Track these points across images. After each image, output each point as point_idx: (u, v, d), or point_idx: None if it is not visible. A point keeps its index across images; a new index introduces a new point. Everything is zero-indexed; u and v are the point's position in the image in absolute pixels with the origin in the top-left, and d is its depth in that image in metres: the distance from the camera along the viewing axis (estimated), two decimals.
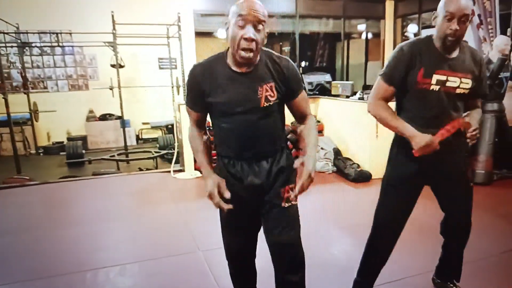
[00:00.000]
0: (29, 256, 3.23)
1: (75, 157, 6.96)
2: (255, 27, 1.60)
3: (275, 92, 1.74)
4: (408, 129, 1.96)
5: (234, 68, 1.72)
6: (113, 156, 7.04)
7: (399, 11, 10.24)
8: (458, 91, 1.97)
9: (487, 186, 4.66)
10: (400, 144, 2.09)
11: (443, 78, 1.94)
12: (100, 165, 6.81)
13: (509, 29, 6.31)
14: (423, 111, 2.01)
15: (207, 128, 1.97)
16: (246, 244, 2.04)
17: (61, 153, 7.64)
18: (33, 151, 8.10)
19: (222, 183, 1.78)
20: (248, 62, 1.67)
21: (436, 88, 1.95)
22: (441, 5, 1.88)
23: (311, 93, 7.61)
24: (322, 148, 5.58)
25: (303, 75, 8.38)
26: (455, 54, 1.97)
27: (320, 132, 6.07)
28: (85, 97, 8.58)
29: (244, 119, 1.73)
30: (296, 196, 1.78)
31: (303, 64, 12.06)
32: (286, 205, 1.84)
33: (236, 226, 1.97)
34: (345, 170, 5.10)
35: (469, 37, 6.57)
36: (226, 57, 1.74)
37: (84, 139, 8.31)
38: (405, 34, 10.76)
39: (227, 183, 1.79)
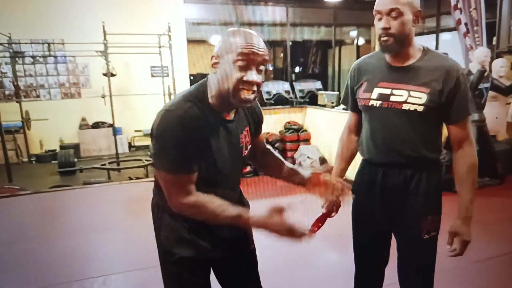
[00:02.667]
0: (18, 267, 3.30)
1: (67, 165, 7.01)
2: (257, 68, 1.32)
3: (249, 136, 1.54)
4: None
5: (221, 114, 1.40)
6: (104, 164, 7.10)
7: None
8: (405, 107, 1.59)
9: None
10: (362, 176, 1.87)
11: (387, 91, 1.64)
12: (92, 173, 6.87)
13: (494, 38, 6.44)
14: (372, 134, 1.74)
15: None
16: None
17: (54, 161, 7.69)
18: (25, 159, 8.15)
19: (281, 210, 1.38)
20: (247, 106, 1.41)
21: (377, 103, 1.65)
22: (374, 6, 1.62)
23: (302, 100, 7.74)
24: (308, 157, 5.68)
25: (294, 82, 8.50)
26: (409, 61, 1.63)
27: (307, 141, 6.18)
28: (77, 105, 8.63)
29: (231, 171, 1.48)
30: None
31: (296, 70, 12.19)
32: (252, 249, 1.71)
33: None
34: None
35: (457, 45, 6.70)
36: (210, 99, 1.38)
37: (76, 147, 8.36)
38: None
39: (195, 249, 1.48)
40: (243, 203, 1.65)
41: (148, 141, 9.01)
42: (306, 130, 6.27)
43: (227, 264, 1.62)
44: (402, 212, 1.74)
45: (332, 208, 1.89)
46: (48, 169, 7.47)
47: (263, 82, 1.36)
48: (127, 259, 3.43)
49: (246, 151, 1.51)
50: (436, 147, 1.71)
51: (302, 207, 1.75)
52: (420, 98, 1.58)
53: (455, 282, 2.81)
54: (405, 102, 1.60)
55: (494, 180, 5.10)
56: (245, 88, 1.30)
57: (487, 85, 4.82)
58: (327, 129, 5.83)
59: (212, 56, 1.34)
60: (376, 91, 1.67)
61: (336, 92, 6.40)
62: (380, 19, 1.56)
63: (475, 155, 1.66)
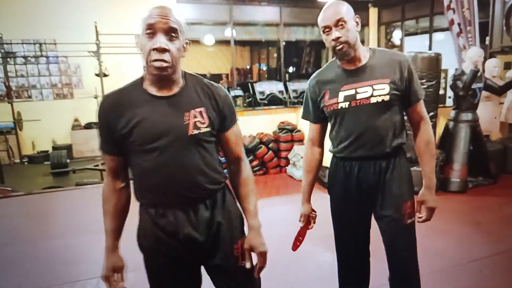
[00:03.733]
0: (10, 269, 3.27)
1: (59, 166, 6.97)
2: (167, 36, 1.35)
3: (205, 117, 1.44)
4: (303, 196, 2.08)
5: (153, 92, 1.42)
6: (97, 165, 7.06)
7: (382, 18, 10.41)
8: (373, 100, 1.76)
9: (462, 194, 4.77)
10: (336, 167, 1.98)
11: (351, 92, 1.79)
12: (85, 174, 6.84)
13: (487, 38, 6.47)
14: (345, 134, 1.85)
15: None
16: None
17: (46, 162, 7.64)
18: (17, 160, 8.09)
19: (121, 268, 1.57)
20: (164, 76, 1.37)
21: (345, 105, 1.80)
22: (318, 23, 1.78)
23: (296, 100, 7.74)
24: (302, 157, 5.66)
25: (288, 82, 8.50)
26: (362, 62, 1.80)
27: (301, 141, 6.17)
28: (70, 105, 8.60)
29: (167, 150, 1.39)
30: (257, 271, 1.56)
31: (290, 69, 12.20)
32: (245, 264, 1.54)
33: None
34: (324, 178, 5.19)
35: (450, 45, 6.72)
36: (144, 82, 1.45)
37: (69, 147, 8.32)
38: (391, 40, 10.95)
39: (156, 242, 1.50)
40: (216, 197, 1.53)
41: None
42: (300, 131, 6.26)
43: (204, 260, 1.56)
44: (382, 201, 1.87)
45: (309, 220, 2.10)
46: (41, 170, 7.43)
47: (180, 51, 1.39)
48: None
49: (196, 131, 1.41)
50: (402, 133, 1.87)
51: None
52: (384, 88, 1.76)
53: (447, 282, 2.81)
54: (372, 96, 1.77)
55: (487, 179, 5.12)
56: (157, 58, 1.33)
57: (481, 85, 4.84)
58: None
59: (136, 35, 1.42)
60: (342, 94, 1.81)
61: None
62: (329, 33, 1.73)
63: (431, 131, 1.89)
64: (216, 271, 1.56)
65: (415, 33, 10.48)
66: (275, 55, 11.73)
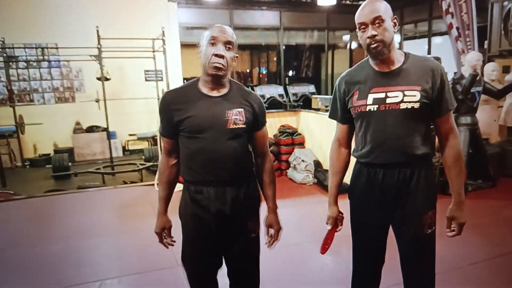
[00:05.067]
0: (12, 273, 3.30)
1: (61, 170, 7.00)
2: (225, 47, 1.73)
3: (244, 117, 1.81)
4: (329, 196, 2.06)
5: (204, 91, 1.81)
6: (99, 168, 7.09)
7: None
8: (403, 106, 1.72)
9: None
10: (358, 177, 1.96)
11: (381, 95, 1.75)
12: (86, 177, 6.86)
13: (486, 42, 6.52)
14: (370, 137, 1.83)
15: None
16: (211, 272, 2.01)
17: (48, 166, 7.67)
18: (19, 164, 8.12)
19: (168, 229, 2.01)
20: (218, 78, 1.76)
21: (374, 108, 1.76)
22: (355, 20, 1.76)
23: (296, 104, 7.77)
24: (303, 161, 5.71)
25: (288, 86, 8.54)
26: (395, 65, 1.77)
27: (302, 144, 6.20)
28: (71, 109, 8.63)
29: (211, 138, 1.77)
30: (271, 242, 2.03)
31: (290, 73, 12.23)
32: (253, 235, 1.95)
33: (202, 254, 1.95)
34: (325, 182, 5.23)
35: (449, 49, 6.77)
36: (198, 83, 1.84)
37: (70, 151, 8.35)
38: None
39: (193, 215, 1.87)
40: (246, 191, 1.90)
41: (142, 145, 9.02)
42: (300, 134, 6.29)
43: (228, 233, 1.91)
44: (403, 210, 1.84)
45: (337, 223, 2.09)
46: (42, 173, 7.46)
47: (232, 60, 1.79)
48: (121, 263, 3.43)
49: (234, 126, 1.79)
50: (429, 142, 1.83)
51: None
52: (415, 96, 1.71)
53: (447, 285, 2.84)
54: (402, 101, 1.72)
55: (486, 182, 5.15)
56: (216, 62, 1.71)
57: (479, 88, 4.88)
58: (321, 133, 5.86)
59: (197, 46, 1.80)
60: (371, 97, 1.77)
61: (330, 96, 6.42)
62: (364, 30, 1.71)
63: (460, 145, 1.84)
64: (232, 237, 1.92)
65: (414, 37, 10.54)
66: (275, 59, 11.76)
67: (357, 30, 1.77)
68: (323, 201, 5.05)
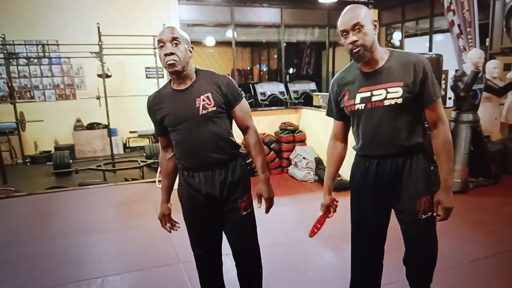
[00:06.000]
0: (14, 269, 3.30)
1: (62, 167, 7.00)
2: (171, 44, 1.87)
3: (211, 100, 1.95)
4: (324, 187, 2.19)
5: (175, 87, 2.00)
6: (100, 166, 7.09)
7: (383, 19, 10.44)
8: (386, 102, 1.84)
9: (463, 194, 4.80)
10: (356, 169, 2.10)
11: (367, 94, 1.88)
12: (87, 174, 6.86)
13: (487, 39, 6.50)
14: (362, 133, 1.97)
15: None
16: (210, 251, 2.23)
17: (48, 163, 7.67)
18: (20, 161, 8.12)
19: (168, 215, 2.26)
20: (177, 73, 1.91)
21: (361, 106, 1.90)
22: (337, 28, 1.88)
23: (297, 101, 7.77)
24: (304, 158, 5.70)
25: (289, 83, 8.53)
26: (379, 64, 1.88)
27: (303, 141, 6.20)
28: (72, 106, 8.63)
29: (187, 128, 1.97)
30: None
31: (291, 71, 12.22)
32: (244, 213, 2.10)
33: (200, 234, 2.18)
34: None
35: (450, 46, 6.76)
36: (171, 82, 2.04)
37: (71, 148, 8.34)
38: (391, 41, 10.98)
39: (188, 195, 2.09)
40: (230, 167, 2.07)
41: (143, 142, 9.02)
42: (301, 131, 6.29)
43: (219, 212, 2.11)
44: (399, 197, 1.96)
45: (329, 209, 2.21)
46: (43, 170, 7.46)
47: (186, 52, 1.91)
48: (123, 260, 3.44)
49: (205, 111, 1.94)
50: (420, 132, 1.93)
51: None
52: (397, 92, 1.83)
53: (448, 282, 2.84)
54: (385, 98, 1.85)
55: (488, 180, 5.15)
56: (168, 61, 1.87)
57: (481, 86, 4.87)
58: (322, 130, 5.85)
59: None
60: (358, 96, 1.91)
61: None
62: (346, 37, 1.82)
63: (448, 131, 1.92)
64: (225, 216, 2.10)
65: (415, 35, 10.51)
66: (276, 56, 11.74)
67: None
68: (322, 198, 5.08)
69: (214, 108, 1.95)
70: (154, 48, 7.58)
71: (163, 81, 7.52)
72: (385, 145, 1.91)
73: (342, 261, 3.22)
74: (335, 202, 2.21)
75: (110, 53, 7.01)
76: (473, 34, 6.39)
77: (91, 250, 3.65)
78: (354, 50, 1.80)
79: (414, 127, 1.90)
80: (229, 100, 2.02)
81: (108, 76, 7.31)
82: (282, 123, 6.41)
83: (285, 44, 10.03)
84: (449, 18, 6.49)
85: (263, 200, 2.14)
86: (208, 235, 2.18)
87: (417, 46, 10.04)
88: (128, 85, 8.58)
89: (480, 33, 6.40)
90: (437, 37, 9.44)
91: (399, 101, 1.82)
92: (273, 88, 7.96)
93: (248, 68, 13.89)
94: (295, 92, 8.26)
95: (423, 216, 1.92)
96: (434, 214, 1.96)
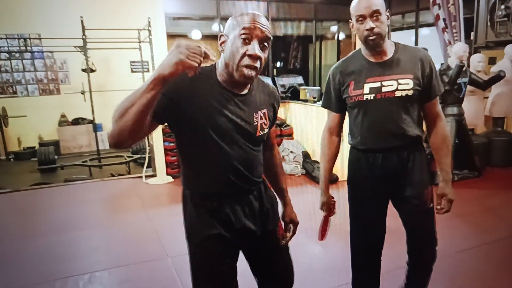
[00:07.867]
0: None
1: (47, 163, 6.90)
2: (260, 44, 1.37)
3: (267, 120, 1.54)
4: (321, 184, 2.12)
5: (228, 87, 1.44)
6: (86, 161, 7.01)
7: None
8: (398, 94, 1.83)
9: None
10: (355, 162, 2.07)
11: (377, 84, 1.84)
12: (73, 170, 6.78)
13: (472, 33, 6.57)
14: (368, 125, 1.92)
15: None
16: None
17: (33, 159, 7.56)
18: (3, 157, 8.00)
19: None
20: (248, 83, 1.45)
21: (371, 96, 1.85)
22: (351, 11, 1.83)
23: (284, 95, 7.77)
24: (291, 152, 5.71)
25: (276, 77, 8.52)
26: (388, 56, 1.86)
27: (290, 135, 6.21)
28: (56, 101, 8.50)
29: (239, 148, 1.45)
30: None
31: (278, 64, 12.20)
32: (286, 240, 1.75)
33: (222, 275, 1.56)
34: (313, 173, 5.24)
35: (436, 40, 6.80)
36: (215, 74, 1.45)
37: (56, 144, 8.23)
38: None
39: (212, 231, 1.50)
40: (262, 194, 1.63)
41: None
42: (288, 125, 6.30)
43: (250, 246, 1.66)
44: (404, 188, 1.96)
45: (330, 208, 2.13)
46: (27, 166, 7.35)
47: (264, 59, 1.40)
48: (110, 256, 3.41)
49: (262, 132, 1.51)
50: (421, 125, 1.97)
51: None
52: (408, 83, 1.83)
53: (435, 272, 2.85)
54: (397, 90, 1.84)
55: (472, 172, 5.23)
56: (249, 64, 1.34)
57: (466, 79, 4.91)
58: (309, 124, 5.86)
59: (221, 35, 1.41)
60: (367, 86, 1.86)
61: (318, 87, 6.39)
62: (362, 23, 1.79)
63: (446, 127, 1.99)
64: (258, 251, 1.68)
65: (401, 28, 10.56)
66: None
67: (351, 21, 1.85)
68: (311, 191, 5.12)
69: (268, 130, 1.57)
70: (139, 42, 7.52)
71: (148, 75, 7.43)
72: (392, 137, 1.89)
73: (330, 253, 3.24)
74: (333, 200, 2.13)
75: (95, 47, 6.90)
76: (458, 28, 6.44)
77: (78, 246, 3.62)
78: (371, 37, 1.78)
79: (418, 120, 1.93)
80: (274, 120, 1.65)
81: (92, 71, 7.22)
82: None
83: (271, 38, 10.00)
84: (434, 12, 6.53)
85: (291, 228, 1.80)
86: (231, 273, 1.60)
87: (403, 40, 9.97)
88: (113, 79, 8.47)
89: (465, 27, 6.45)
90: (423, 31, 9.51)
91: (410, 92, 1.83)
92: None
93: None
94: (282, 86, 8.24)
95: (430, 204, 1.98)
96: (438, 207, 2.01)
